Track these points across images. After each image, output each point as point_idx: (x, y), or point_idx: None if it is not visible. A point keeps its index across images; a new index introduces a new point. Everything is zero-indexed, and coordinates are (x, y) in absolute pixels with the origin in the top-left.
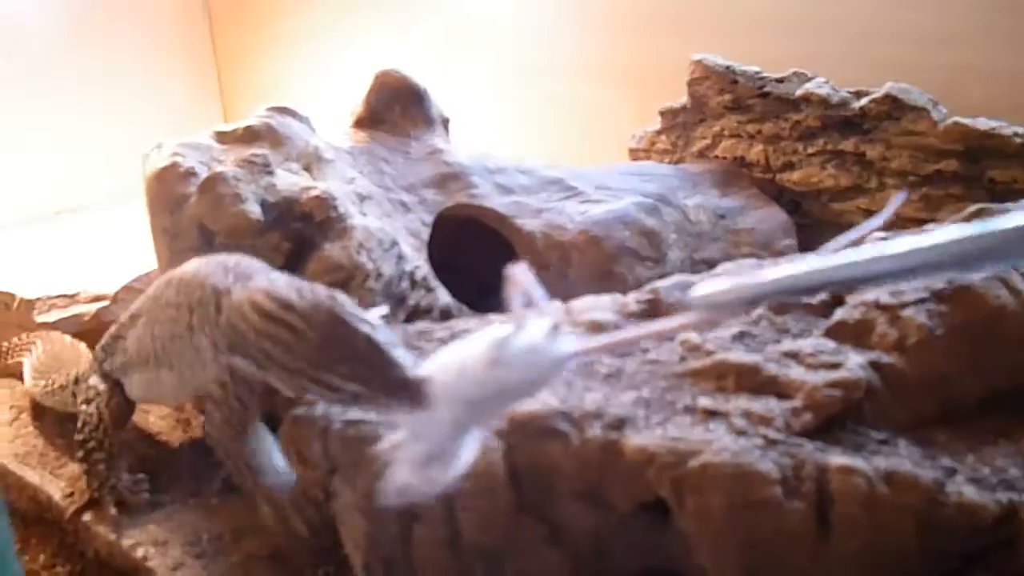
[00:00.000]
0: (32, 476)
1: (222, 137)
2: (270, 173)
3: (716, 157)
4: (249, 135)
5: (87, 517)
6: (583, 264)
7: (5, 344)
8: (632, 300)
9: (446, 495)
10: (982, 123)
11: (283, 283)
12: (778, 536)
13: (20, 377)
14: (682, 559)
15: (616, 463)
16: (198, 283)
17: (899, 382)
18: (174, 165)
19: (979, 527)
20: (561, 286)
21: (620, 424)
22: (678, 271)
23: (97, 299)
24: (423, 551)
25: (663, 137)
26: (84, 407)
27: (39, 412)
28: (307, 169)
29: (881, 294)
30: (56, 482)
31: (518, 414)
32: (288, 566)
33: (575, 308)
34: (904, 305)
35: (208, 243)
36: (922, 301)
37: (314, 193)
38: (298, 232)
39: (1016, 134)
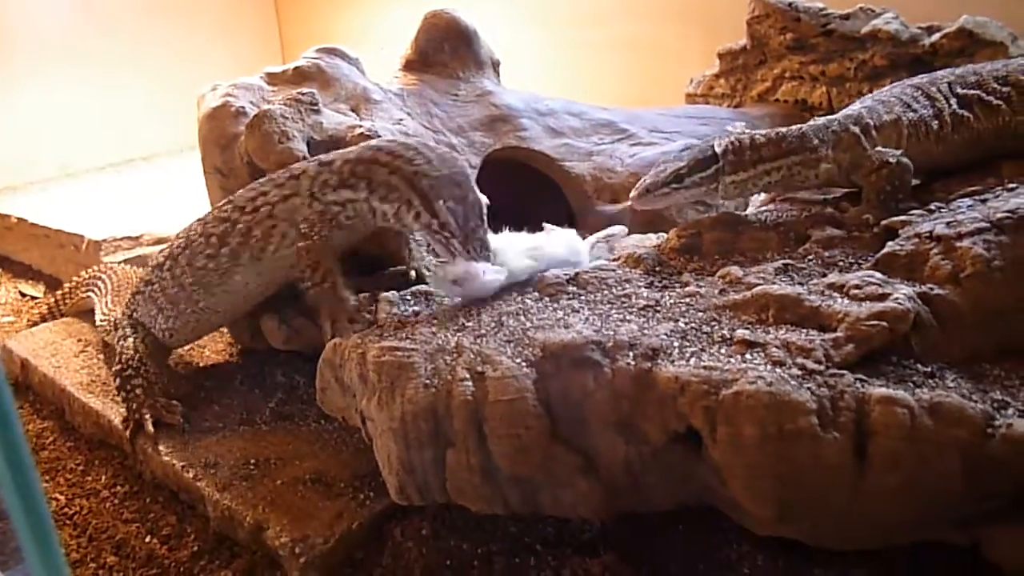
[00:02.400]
0: (95, 403)
1: (272, 78)
2: (317, 111)
3: (777, 100)
4: (298, 76)
5: (143, 441)
6: None
7: (74, 280)
8: (675, 235)
9: (477, 421)
10: None
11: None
12: (813, 468)
13: (90, 311)
14: (715, 492)
15: (648, 393)
16: (275, 174)
17: (952, 315)
18: (225, 104)
19: None
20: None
21: (654, 354)
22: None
23: (160, 241)
24: (457, 477)
25: (722, 81)
26: (121, 343)
27: (106, 345)
28: (355, 110)
29: (937, 224)
30: (117, 408)
31: (550, 343)
32: (330, 488)
33: (617, 242)
34: (961, 236)
35: (258, 179)
36: (980, 232)
37: (360, 131)
38: None
39: None
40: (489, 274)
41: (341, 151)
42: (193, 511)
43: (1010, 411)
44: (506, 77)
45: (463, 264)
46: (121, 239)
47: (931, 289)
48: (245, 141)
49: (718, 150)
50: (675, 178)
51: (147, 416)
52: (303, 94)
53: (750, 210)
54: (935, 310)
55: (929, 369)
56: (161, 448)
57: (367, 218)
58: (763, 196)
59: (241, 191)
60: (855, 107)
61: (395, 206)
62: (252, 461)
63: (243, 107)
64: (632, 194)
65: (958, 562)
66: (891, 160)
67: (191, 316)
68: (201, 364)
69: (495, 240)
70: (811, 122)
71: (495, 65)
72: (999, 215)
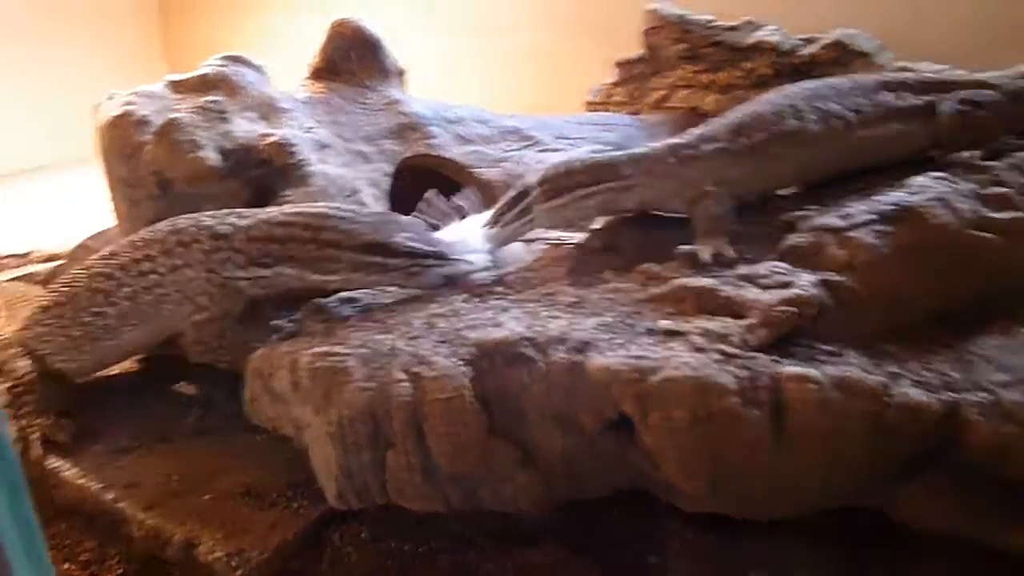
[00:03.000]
0: None
1: (176, 86)
2: (226, 120)
3: (672, 108)
4: (203, 83)
5: (53, 462)
6: None
7: None
8: (594, 235)
9: (416, 422)
10: (925, 67)
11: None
12: (739, 445)
13: None
14: (648, 474)
15: (581, 384)
16: (162, 237)
17: (849, 299)
18: (127, 114)
19: (924, 426)
20: None
21: (583, 347)
22: None
23: (51, 258)
24: (397, 478)
25: (620, 89)
26: (11, 363)
27: None
28: (264, 118)
29: (830, 218)
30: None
31: (485, 341)
32: (262, 499)
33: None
34: (853, 227)
35: (166, 191)
36: (869, 223)
37: (273, 139)
38: (257, 179)
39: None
40: (476, 262)
41: (229, 216)
42: (115, 534)
43: (903, 381)
44: (413, 86)
45: (447, 270)
46: (6, 257)
47: (830, 276)
48: (152, 151)
49: (533, 181)
50: (495, 219)
51: (34, 436)
52: (211, 102)
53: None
54: (834, 295)
55: (832, 348)
56: (75, 471)
57: (293, 286)
58: None
59: (124, 242)
60: (697, 132)
61: (342, 275)
62: (176, 478)
63: (146, 116)
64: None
65: (867, 524)
66: (709, 189)
67: (86, 357)
68: (109, 380)
69: (453, 234)
70: (636, 149)
71: (401, 74)
72: (884, 207)
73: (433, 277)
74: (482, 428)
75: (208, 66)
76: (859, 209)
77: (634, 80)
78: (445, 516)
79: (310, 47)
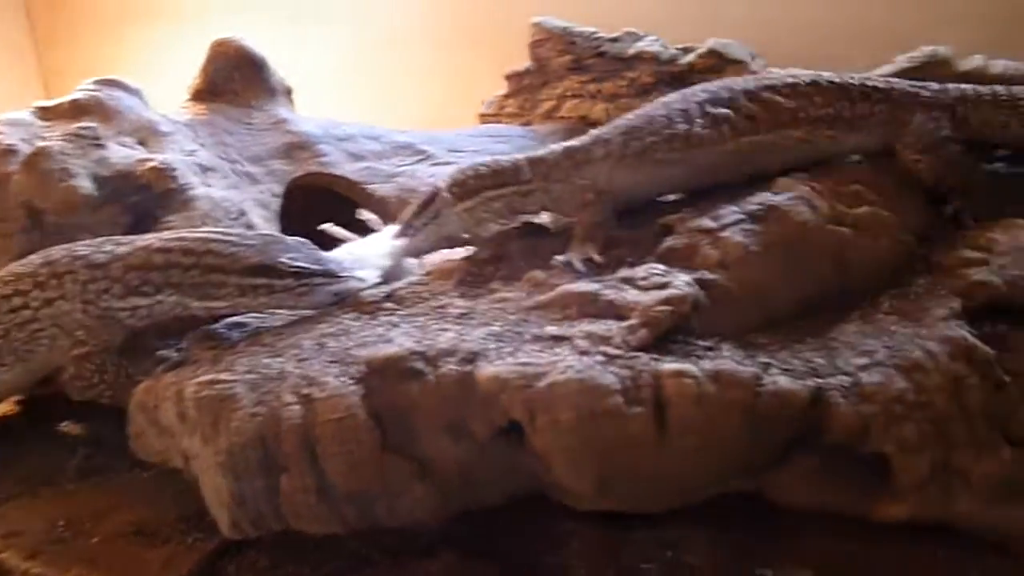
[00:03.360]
0: None
1: (45, 113)
2: (101, 146)
3: (562, 117)
4: (75, 109)
5: None
6: None
7: None
8: (482, 246)
9: (308, 444)
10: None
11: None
12: (623, 442)
13: None
14: (540, 477)
15: (472, 394)
16: (33, 269)
17: (722, 296)
18: None
19: (792, 412)
20: None
21: (473, 357)
22: None
23: None
24: (292, 501)
25: (511, 101)
26: None
27: None
28: (142, 143)
29: (704, 220)
30: None
31: (374, 358)
32: (155, 536)
33: (427, 261)
34: (724, 227)
35: (37, 222)
36: (738, 222)
37: (151, 164)
38: (137, 205)
39: None
40: (367, 278)
41: (105, 244)
42: None
43: (774, 370)
44: (301, 105)
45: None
46: None
47: (704, 275)
48: (21, 181)
49: (440, 185)
50: (406, 227)
51: None
52: (84, 128)
53: (549, 220)
54: (709, 293)
55: (708, 344)
56: None
57: (175, 314)
58: None
59: None
60: (591, 136)
61: (229, 300)
62: (61, 523)
63: (13, 144)
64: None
65: (748, 507)
66: (590, 196)
67: None
68: None
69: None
70: (548, 148)
71: (288, 92)
72: (751, 207)
73: (323, 295)
74: (376, 445)
75: (80, 91)
76: (730, 210)
77: (524, 92)
78: (343, 536)
79: (195, 67)
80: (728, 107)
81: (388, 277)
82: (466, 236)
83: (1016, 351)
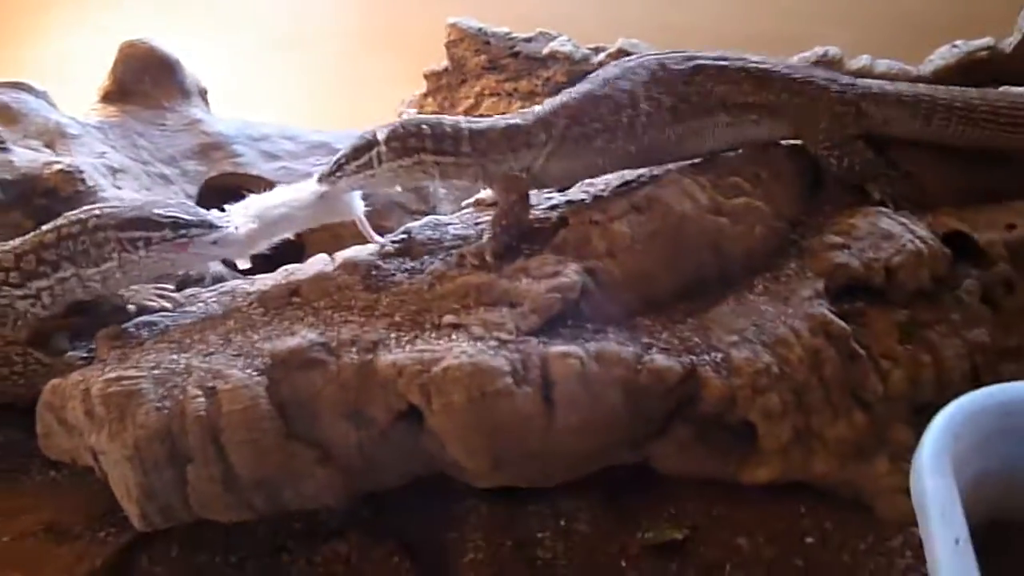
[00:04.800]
0: None
1: None
2: (5, 150)
3: (481, 115)
4: None
5: None
6: None
7: None
8: (388, 241)
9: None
10: None
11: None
12: (513, 420)
13: None
14: (439, 458)
15: (372, 380)
16: None
17: (610, 283)
18: None
19: (669, 386)
20: (334, 244)
21: (373, 347)
22: None
23: None
24: (199, 491)
25: (430, 99)
26: None
27: None
28: (49, 146)
29: (594, 213)
30: None
31: (278, 350)
32: (66, 533)
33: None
34: (612, 219)
35: None
36: (624, 214)
37: (58, 167)
38: (43, 208)
39: None
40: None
41: None
42: None
43: (654, 350)
44: (215, 105)
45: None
46: None
47: (593, 263)
48: None
49: (379, 136)
50: (336, 167)
51: None
52: None
53: (452, 213)
54: (597, 280)
55: (595, 327)
56: None
57: (77, 294)
58: (470, 199)
59: None
60: (535, 114)
61: (114, 259)
62: None
63: None
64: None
65: (634, 476)
66: (523, 178)
67: None
68: None
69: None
70: (491, 121)
71: (203, 93)
72: (635, 199)
73: (202, 246)
74: (280, 432)
75: None
76: (617, 203)
77: (443, 91)
78: (252, 524)
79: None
80: (668, 92)
81: (328, 214)
82: (387, 190)
83: (870, 326)
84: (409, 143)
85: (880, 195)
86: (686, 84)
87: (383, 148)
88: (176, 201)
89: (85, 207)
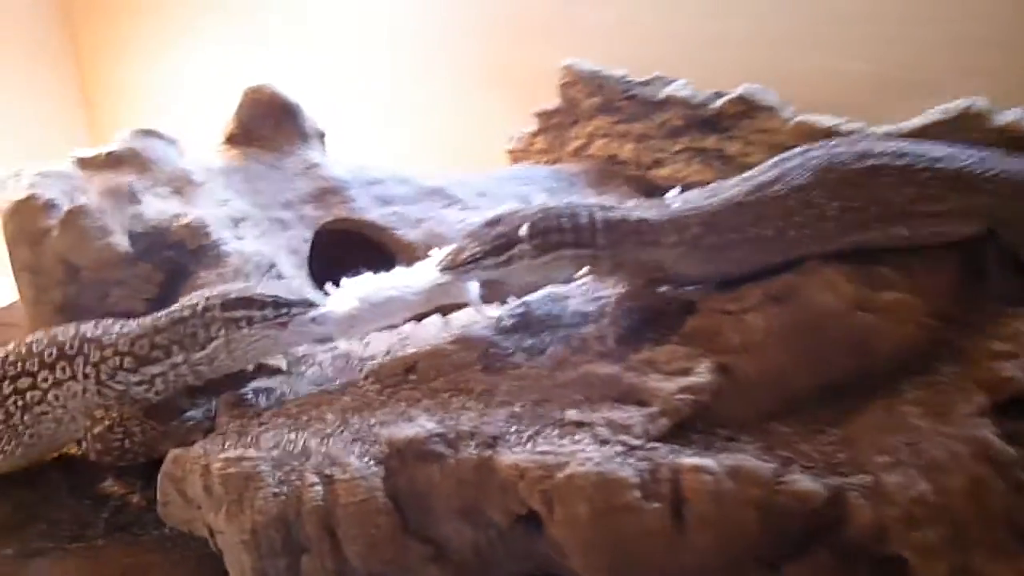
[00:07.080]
0: None
1: (84, 164)
2: (136, 201)
3: (590, 156)
4: (112, 161)
5: None
6: None
7: None
8: (506, 315)
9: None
10: (825, 120)
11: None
12: (639, 536)
13: None
14: (557, 565)
15: (491, 480)
16: (41, 350)
17: (744, 381)
18: (32, 197)
19: (813, 510)
20: None
21: (493, 442)
22: None
23: None
24: None
25: (540, 138)
26: None
27: None
28: (177, 193)
29: (727, 302)
30: None
31: (395, 439)
32: None
33: (452, 320)
34: (746, 310)
35: (74, 278)
36: (760, 305)
37: (185, 221)
38: (170, 261)
39: (852, 130)
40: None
41: (113, 327)
42: None
43: (794, 467)
44: (332, 146)
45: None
46: None
47: (727, 359)
48: (59, 238)
49: (522, 232)
50: (471, 260)
51: None
52: (121, 184)
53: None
54: (729, 377)
55: (728, 433)
56: None
57: (187, 380)
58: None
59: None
60: (670, 212)
61: (221, 339)
62: None
63: (53, 199)
64: (438, 266)
65: None
66: (654, 273)
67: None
68: (19, 475)
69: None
70: (625, 211)
71: (320, 136)
72: (772, 288)
73: (302, 323)
74: (395, 527)
75: (118, 141)
76: (752, 291)
77: (553, 129)
78: None
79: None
80: (834, 197)
81: (442, 298)
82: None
83: None
84: (551, 239)
85: None
86: (856, 187)
87: (526, 246)
88: (284, 280)
89: (195, 292)
